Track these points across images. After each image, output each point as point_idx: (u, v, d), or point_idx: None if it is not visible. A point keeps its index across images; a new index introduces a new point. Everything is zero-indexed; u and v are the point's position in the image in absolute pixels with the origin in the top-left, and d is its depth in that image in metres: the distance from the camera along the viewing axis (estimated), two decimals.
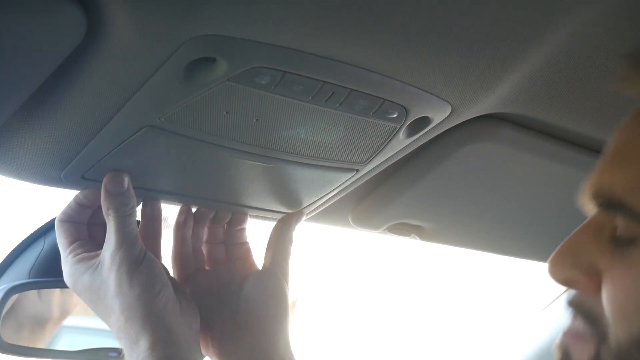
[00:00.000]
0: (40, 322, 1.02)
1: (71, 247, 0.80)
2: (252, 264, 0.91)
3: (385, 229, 1.09)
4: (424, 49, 0.63)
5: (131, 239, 0.76)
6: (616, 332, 0.53)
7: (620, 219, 0.55)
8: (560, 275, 0.59)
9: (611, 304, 0.54)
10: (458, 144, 0.87)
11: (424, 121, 0.75)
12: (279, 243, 0.89)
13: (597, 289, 0.56)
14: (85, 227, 0.82)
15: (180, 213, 0.87)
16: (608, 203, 0.56)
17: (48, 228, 1.03)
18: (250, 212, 0.90)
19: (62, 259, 0.81)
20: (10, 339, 0.95)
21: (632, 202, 0.54)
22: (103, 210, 0.77)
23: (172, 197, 0.84)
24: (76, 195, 0.81)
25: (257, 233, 0.94)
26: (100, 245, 0.79)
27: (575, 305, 0.58)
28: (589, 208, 0.59)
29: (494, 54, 0.66)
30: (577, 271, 0.58)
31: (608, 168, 0.58)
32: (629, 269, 0.53)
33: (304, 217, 0.91)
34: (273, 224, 0.93)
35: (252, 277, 0.88)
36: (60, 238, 0.81)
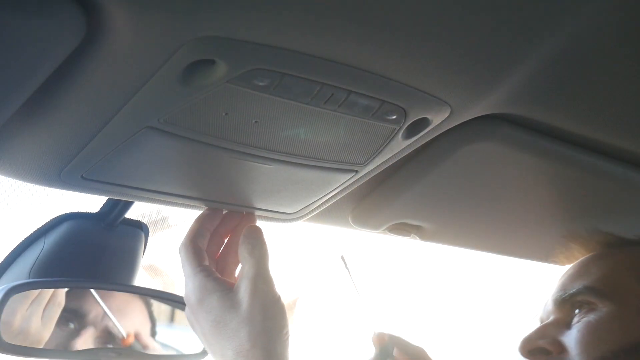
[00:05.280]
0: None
1: (199, 267, 0.84)
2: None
3: (385, 229, 1.09)
4: (423, 50, 0.63)
5: (271, 277, 0.81)
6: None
7: (583, 295, 0.86)
8: (529, 346, 0.89)
9: (579, 344, 0.84)
10: (458, 144, 0.87)
11: (423, 122, 0.74)
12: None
13: (560, 351, 0.86)
14: (205, 254, 0.86)
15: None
16: (575, 292, 0.87)
17: (48, 228, 1.03)
18: (250, 212, 0.90)
19: (188, 275, 0.84)
20: (10, 339, 0.95)
21: (592, 285, 0.87)
22: (245, 248, 0.83)
23: (171, 198, 0.84)
24: (198, 217, 0.86)
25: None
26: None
27: None
28: (551, 310, 0.90)
29: (493, 55, 0.66)
30: (543, 341, 0.87)
31: (571, 279, 0.91)
32: (589, 323, 0.84)
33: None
34: (273, 224, 0.93)
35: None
36: (187, 258, 0.84)
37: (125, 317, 1.05)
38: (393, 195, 0.99)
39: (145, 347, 1.04)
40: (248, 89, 0.63)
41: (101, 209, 1.04)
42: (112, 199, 1.02)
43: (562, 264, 1.29)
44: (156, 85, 0.61)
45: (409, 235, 1.11)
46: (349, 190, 0.89)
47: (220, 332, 0.79)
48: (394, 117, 0.71)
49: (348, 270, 0.95)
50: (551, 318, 0.90)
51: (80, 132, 0.68)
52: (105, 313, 1.03)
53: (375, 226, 1.08)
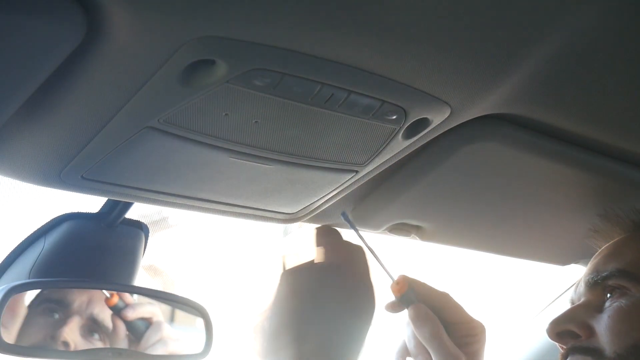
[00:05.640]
0: None
1: None
2: None
3: (385, 229, 1.09)
4: (423, 51, 0.63)
5: None
6: (613, 347, 0.80)
7: (616, 279, 0.83)
8: (558, 328, 0.85)
9: (610, 330, 0.80)
10: (458, 144, 0.87)
11: (423, 122, 0.74)
12: None
13: (590, 335, 0.82)
14: None
15: None
16: (607, 275, 0.84)
17: (48, 228, 1.03)
18: (250, 212, 0.90)
19: None
20: (11, 339, 0.95)
21: (625, 268, 0.83)
22: None
23: (171, 198, 0.84)
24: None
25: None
26: None
27: (575, 349, 0.84)
28: (582, 292, 0.87)
29: (493, 55, 0.66)
30: (572, 324, 0.84)
31: (604, 261, 0.87)
32: (620, 308, 0.81)
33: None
34: (272, 224, 0.93)
35: None
36: None
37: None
38: (393, 195, 0.99)
39: (128, 304, 1.04)
40: (248, 89, 0.63)
41: (101, 209, 1.04)
42: (112, 199, 1.02)
43: (562, 264, 1.29)
44: (156, 85, 0.61)
45: (409, 235, 1.10)
46: (349, 191, 0.89)
47: None
48: (394, 117, 0.71)
49: (352, 225, 0.92)
50: (582, 300, 0.86)
51: (80, 132, 0.68)
52: (90, 301, 1.03)
53: (375, 226, 1.08)
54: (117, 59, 0.58)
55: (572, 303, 0.90)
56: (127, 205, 1.01)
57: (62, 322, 1.01)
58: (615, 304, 0.82)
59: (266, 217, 0.92)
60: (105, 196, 0.95)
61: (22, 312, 0.99)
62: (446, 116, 0.74)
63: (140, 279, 1.09)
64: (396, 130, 0.74)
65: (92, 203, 1.04)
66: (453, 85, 0.69)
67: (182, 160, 0.75)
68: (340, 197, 0.90)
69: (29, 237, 1.03)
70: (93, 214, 1.04)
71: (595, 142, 0.90)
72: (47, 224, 1.03)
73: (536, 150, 0.89)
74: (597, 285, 0.85)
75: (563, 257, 1.28)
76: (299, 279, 0.83)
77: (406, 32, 0.60)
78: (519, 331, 1.65)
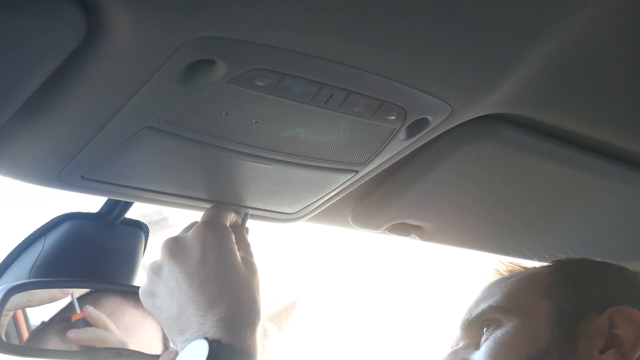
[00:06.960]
0: None
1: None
2: None
3: (385, 229, 1.09)
4: (422, 51, 0.63)
5: None
6: None
7: (489, 314, 0.87)
8: None
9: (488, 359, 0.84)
10: (458, 144, 0.87)
11: (423, 122, 0.75)
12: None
13: None
14: None
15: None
16: (480, 312, 0.87)
17: (48, 228, 1.03)
18: (250, 212, 0.90)
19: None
20: (11, 339, 0.95)
21: (496, 304, 0.87)
22: None
23: (171, 198, 0.84)
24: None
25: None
26: None
27: None
28: (459, 337, 0.90)
29: (493, 55, 0.66)
30: None
31: (475, 304, 0.90)
32: (496, 338, 0.84)
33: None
34: (272, 224, 0.93)
35: None
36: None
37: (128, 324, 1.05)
38: (393, 195, 0.99)
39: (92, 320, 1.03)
40: (248, 89, 0.63)
41: (101, 209, 1.04)
42: (112, 199, 1.02)
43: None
44: (156, 85, 0.61)
45: (409, 235, 1.11)
46: (349, 190, 0.89)
47: None
48: (394, 117, 0.71)
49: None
50: (461, 344, 0.90)
51: (80, 132, 0.68)
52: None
53: (375, 226, 1.08)
54: (117, 59, 0.58)
55: (451, 349, 0.94)
56: (127, 205, 1.01)
57: None
58: (490, 336, 0.86)
59: (266, 217, 0.92)
60: (105, 196, 0.95)
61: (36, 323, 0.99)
62: (446, 116, 0.74)
63: (141, 279, 1.09)
64: (396, 130, 0.74)
65: (92, 203, 1.04)
66: (453, 85, 0.69)
67: (182, 160, 0.75)
68: (340, 197, 0.91)
69: (29, 237, 1.03)
70: (93, 214, 1.04)
71: (595, 142, 0.90)
72: (47, 224, 1.03)
73: (536, 150, 0.89)
74: (473, 324, 0.89)
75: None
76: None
77: (406, 33, 0.61)
78: None
